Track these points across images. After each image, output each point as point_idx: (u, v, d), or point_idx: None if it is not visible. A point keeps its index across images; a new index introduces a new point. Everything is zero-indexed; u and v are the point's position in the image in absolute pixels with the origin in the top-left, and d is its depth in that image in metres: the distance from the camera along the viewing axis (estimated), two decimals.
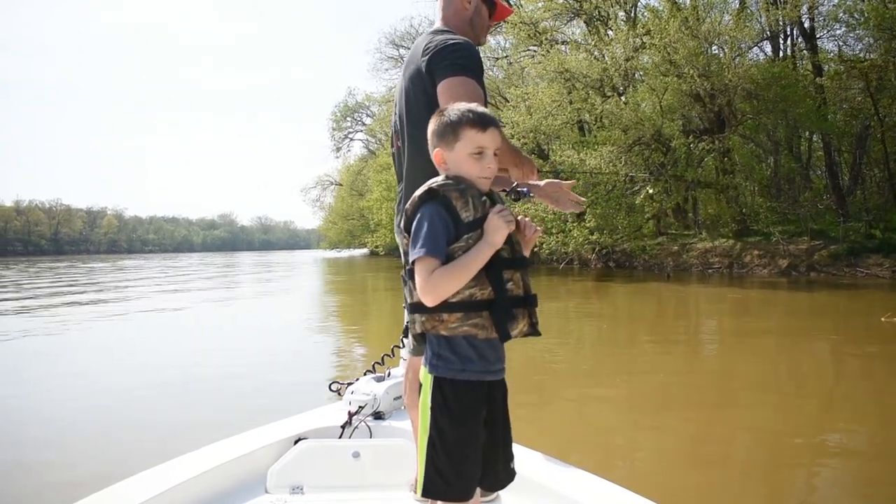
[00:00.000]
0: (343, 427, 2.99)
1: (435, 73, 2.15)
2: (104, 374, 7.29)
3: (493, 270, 1.63)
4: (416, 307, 1.67)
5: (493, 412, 1.71)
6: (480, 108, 1.73)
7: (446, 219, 1.62)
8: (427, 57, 2.19)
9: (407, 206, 1.71)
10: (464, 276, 1.59)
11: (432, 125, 1.74)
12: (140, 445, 4.58)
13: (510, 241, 1.67)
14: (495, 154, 1.72)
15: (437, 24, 2.42)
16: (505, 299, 1.64)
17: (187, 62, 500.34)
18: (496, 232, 1.61)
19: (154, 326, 11.93)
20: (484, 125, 1.69)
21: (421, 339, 1.72)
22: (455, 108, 1.72)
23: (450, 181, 1.68)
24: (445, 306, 1.62)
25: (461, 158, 1.69)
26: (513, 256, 1.68)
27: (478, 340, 1.65)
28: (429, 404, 1.67)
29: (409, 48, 2.48)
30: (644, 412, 5.43)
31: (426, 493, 1.67)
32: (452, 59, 2.16)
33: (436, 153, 1.72)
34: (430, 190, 1.66)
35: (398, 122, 2.38)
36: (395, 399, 3.21)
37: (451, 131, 1.69)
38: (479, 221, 1.64)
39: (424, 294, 1.60)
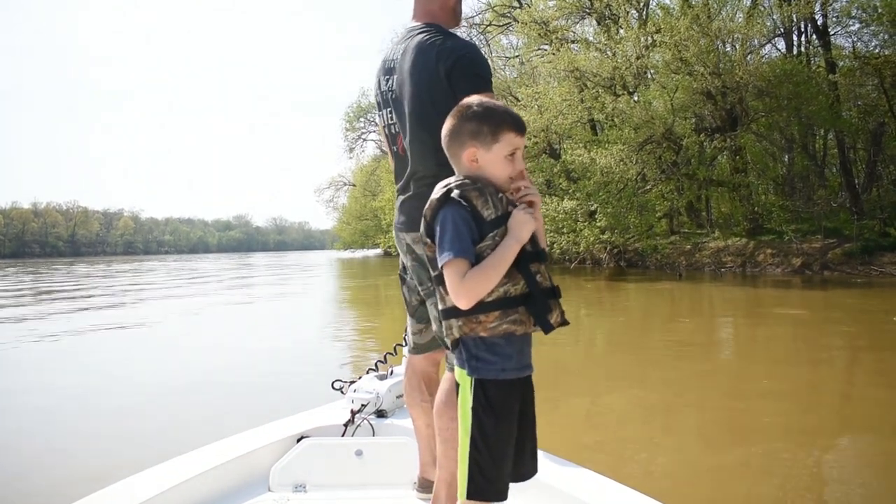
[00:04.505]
0: (346, 425, 3.01)
1: (457, 86, 2.16)
2: (104, 373, 7.36)
3: (522, 265, 1.64)
4: (451, 312, 1.66)
5: (524, 407, 1.73)
6: (512, 110, 1.75)
7: (468, 219, 1.62)
8: (446, 66, 2.20)
9: (425, 210, 1.70)
10: (496, 274, 1.60)
11: (457, 122, 1.73)
12: (143, 443, 4.63)
13: (531, 236, 1.68)
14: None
15: (423, 20, 2.40)
16: (539, 291, 1.65)
17: (202, 63, 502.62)
18: (522, 227, 1.63)
19: (161, 325, 12.03)
20: (521, 128, 1.72)
21: (455, 343, 1.71)
22: (489, 108, 1.71)
23: (467, 181, 1.68)
24: (482, 307, 1.61)
25: (497, 159, 1.69)
26: (536, 250, 1.69)
27: (516, 337, 1.66)
28: (470, 405, 1.66)
29: None
30: (656, 413, 5.42)
31: (472, 496, 1.66)
32: (474, 72, 2.21)
33: (469, 152, 1.70)
34: (448, 191, 1.66)
35: (402, 123, 2.37)
36: (397, 397, 3.23)
37: (489, 132, 1.68)
38: (501, 219, 1.64)
39: (459, 297, 1.60)
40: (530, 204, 1.73)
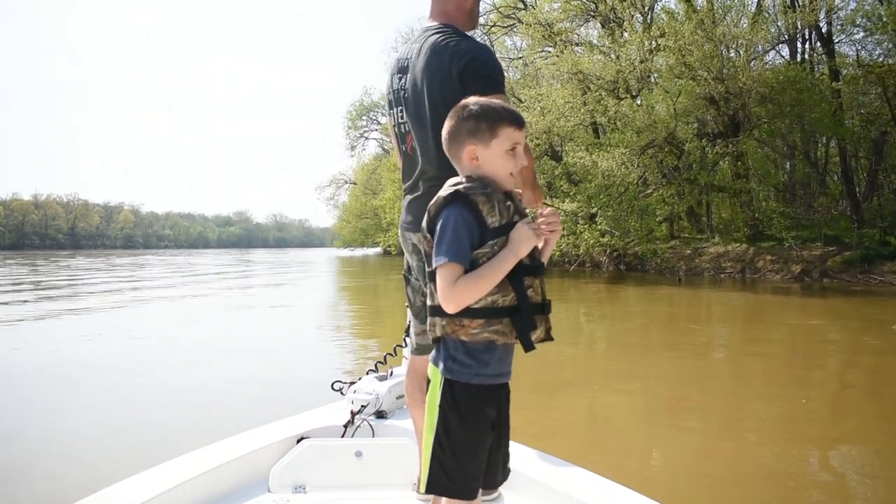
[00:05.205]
0: (345, 426, 3.01)
1: (469, 87, 2.15)
2: (103, 373, 7.34)
3: (515, 277, 1.63)
4: (437, 310, 1.66)
5: (500, 415, 1.73)
6: (508, 105, 1.76)
7: (471, 223, 1.62)
8: (459, 67, 2.21)
9: (430, 205, 1.70)
10: (487, 285, 1.60)
11: (455, 122, 1.73)
12: (142, 443, 4.62)
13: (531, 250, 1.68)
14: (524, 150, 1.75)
15: (439, 20, 2.40)
16: (527, 307, 1.64)
17: (202, 63, 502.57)
18: (523, 243, 1.62)
19: (160, 323, 12.03)
20: (520, 122, 1.72)
21: (437, 340, 1.72)
22: (486, 106, 1.71)
23: (475, 184, 1.66)
24: (467, 312, 1.61)
25: (497, 155, 1.69)
26: (533, 264, 1.68)
27: (496, 346, 1.65)
28: (437, 402, 1.67)
29: None
30: (654, 416, 5.42)
31: (429, 489, 1.68)
32: (486, 73, 2.21)
33: (468, 150, 1.70)
34: (456, 192, 1.65)
35: (412, 123, 2.37)
36: (397, 398, 3.24)
37: (487, 128, 1.68)
38: (504, 228, 1.63)
39: (447, 301, 1.60)
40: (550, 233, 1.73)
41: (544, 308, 1.70)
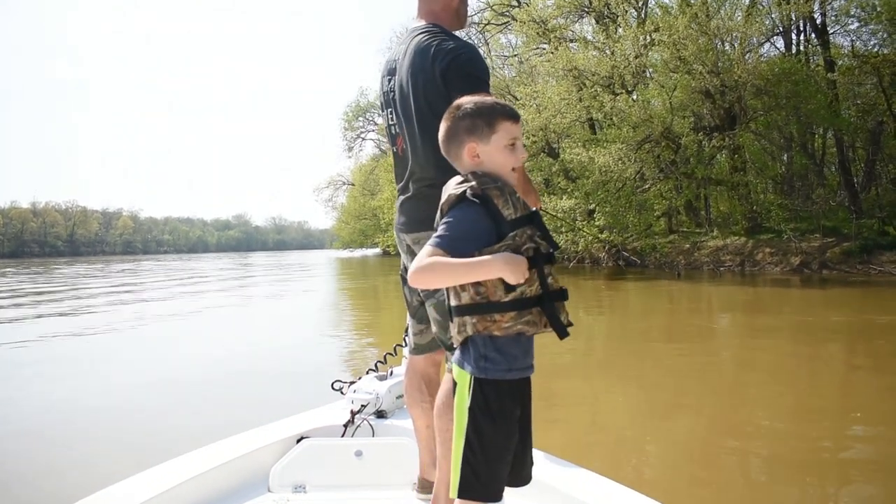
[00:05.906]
0: (345, 426, 3.02)
1: (452, 85, 2.15)
2: (104, 373, 7.35)
3: (538, 266, 1.63)
4: (466, 309, 1.64)
5: (524, 412, 1.72)
6: (501, 100, 1.76)
7: (478, 222, 1.61)
8: (441, 66, 2.19)
9: (442, 203, 1.69)
10: (452, 280, 1.59)
11: (451, 123, 1.73)
12: (143, 443, 4.62)
13: (547, 236, 1.68)
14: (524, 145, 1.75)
15: (426, 20, 2.40)
16: (549, 294, 1.64)
17: (202, 63, 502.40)
18: (503, 269, 1.57)
19: (160, 324, 12.02)
20: (515, 117, 1.72)
21: (464, 342, 1.69)
22: (479, 103, 1.71)
23: (486, 178, 1.66)
24: (497, 306, 1.61)
25: (497, 150, 1.69)
26: (550, 251, 1.68)
27: (525, 337, 1.65)
28: (467, 405, 1.65)
29: None
30: (655, 413, 5.42)
31: (462, 494, 1.66)
32: (468, 71, 2.19)
33: (469, 148, 1.70)
34: (469, 188, 1.64)
35: (401, 124, 2.37)
36: (397, 398, 3.24)
37: (485, 124, 1.69)
38: (521, 220, 1.63)
39: (415, 269, 1.58)
40: None
41: (563, 294, 1.69)
